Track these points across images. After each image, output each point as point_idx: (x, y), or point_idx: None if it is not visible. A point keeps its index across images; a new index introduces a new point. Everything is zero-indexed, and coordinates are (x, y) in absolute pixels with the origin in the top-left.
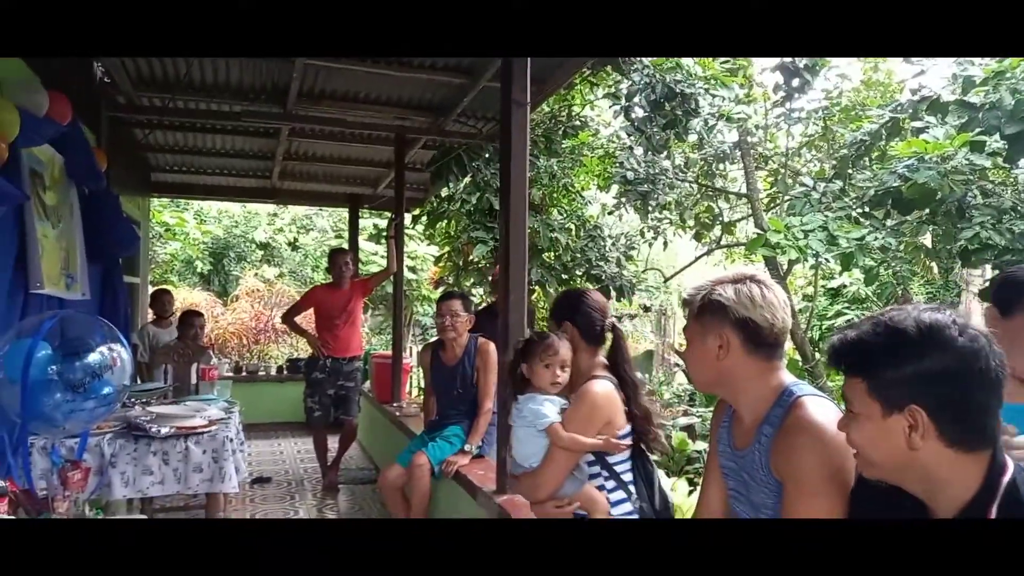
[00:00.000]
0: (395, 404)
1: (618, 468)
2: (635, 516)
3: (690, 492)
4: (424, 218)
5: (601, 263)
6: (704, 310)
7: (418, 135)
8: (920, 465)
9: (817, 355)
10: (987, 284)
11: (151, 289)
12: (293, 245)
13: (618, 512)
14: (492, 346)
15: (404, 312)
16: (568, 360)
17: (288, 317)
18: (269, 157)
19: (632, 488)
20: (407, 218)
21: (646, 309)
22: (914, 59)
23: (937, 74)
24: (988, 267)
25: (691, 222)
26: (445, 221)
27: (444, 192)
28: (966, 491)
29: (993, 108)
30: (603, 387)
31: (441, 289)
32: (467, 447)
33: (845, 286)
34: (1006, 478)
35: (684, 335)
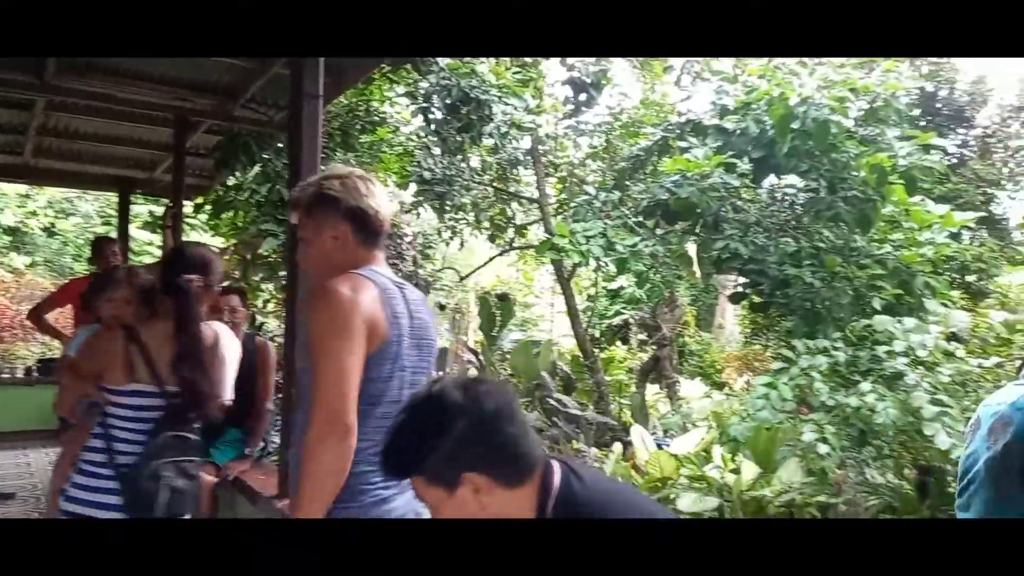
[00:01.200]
0: None
1: (118, 422)
2: (105, 471)
3: None
4: (208, 207)
5: (397, 261)
6: (316, 203)
7: (202, 118)
8: (498, 517)
9: (596, 351)
10: (736, 288)
11: None
12: (49, 231)
13: (84, 458)
14: (271, 345)
15: None
16: (125, 299)
17: (36, 314)
18: (20, 131)
19: (122, 445)
20: (189, 206)
21: (441, 308)
22: (683, 86)
23: (702, 99)
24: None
25: (486, 223)
26: (232, 212)
27: (232, 181)
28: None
29: (743, 134)
30: (98, 335)
31: (225, 284)
32: (248, 451)
33: (623, 288)
34: (551, 499)
35: (299, 234)
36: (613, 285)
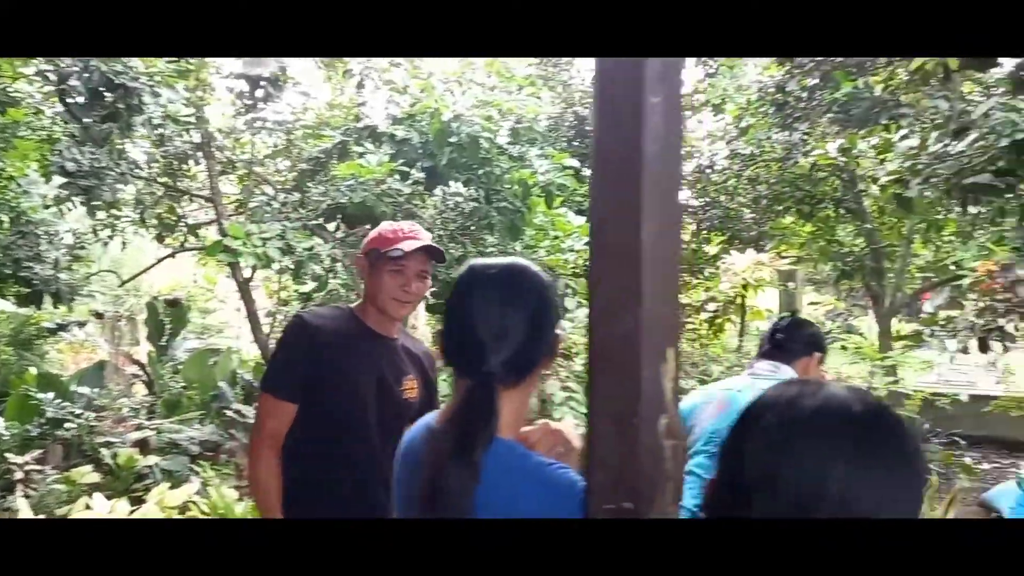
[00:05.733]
0: None
1: None
2: None
3: (132, 511)
4: None
5: (32, 263)
6: None
7: None
8: None
9: None
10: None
11: None
12: None
13: None
14: None
15: None
16: None
17: None
18: None
19: None
20: None
21: (99, 316)
22: (363, 91)
23: (379, 105)
24: None
25: (153, 222)
26: None
27: None
28: None
29: (411, 144)
30: None
31: None
32: None
33: (315, 290)
34: None
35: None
36: (305, 288)
